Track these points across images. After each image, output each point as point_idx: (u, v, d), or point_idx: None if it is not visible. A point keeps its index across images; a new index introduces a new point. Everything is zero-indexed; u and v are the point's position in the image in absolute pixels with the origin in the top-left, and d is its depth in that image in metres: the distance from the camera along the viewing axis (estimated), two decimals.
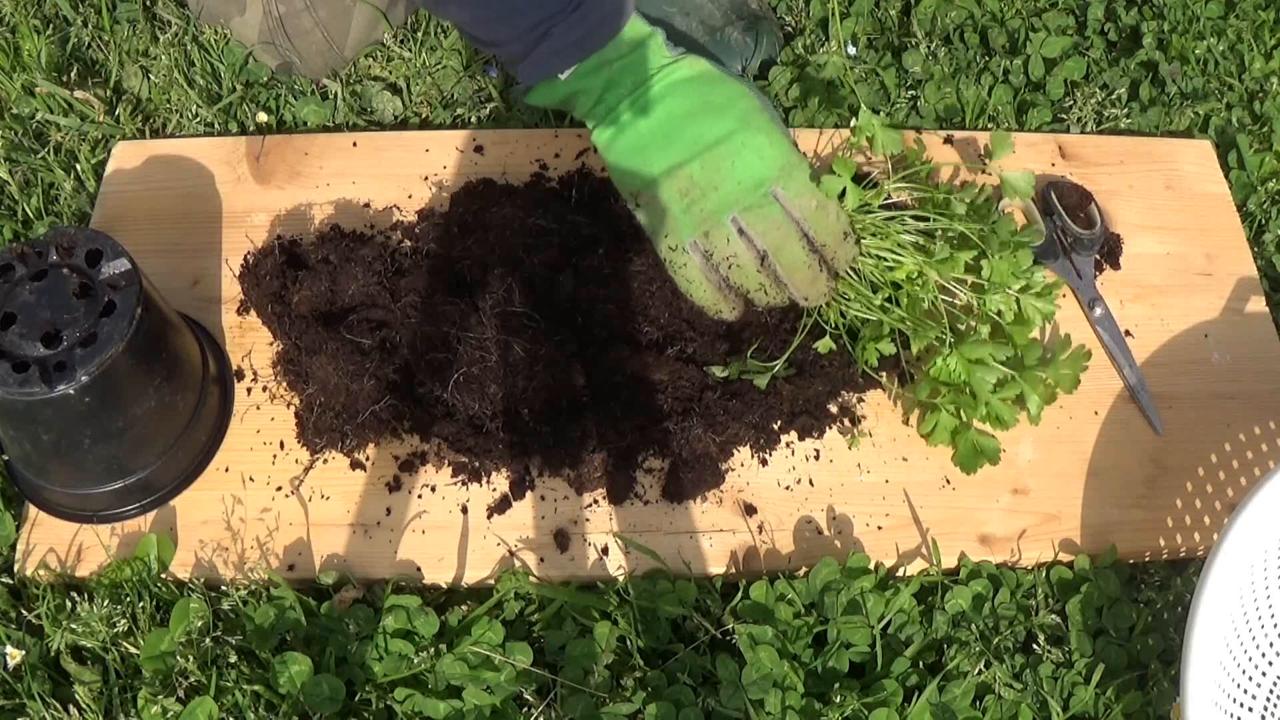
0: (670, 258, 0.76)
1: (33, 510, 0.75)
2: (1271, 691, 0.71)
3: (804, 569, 0.75)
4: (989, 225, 0.79)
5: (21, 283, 0.68)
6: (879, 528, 0.78)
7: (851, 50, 1.03)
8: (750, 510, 0.78)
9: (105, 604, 0.70)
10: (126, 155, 0.91)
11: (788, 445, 0.80)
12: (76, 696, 0.69)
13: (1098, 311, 0.88)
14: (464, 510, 0.77)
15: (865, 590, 0.73)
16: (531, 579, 0.74)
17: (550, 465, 0.77)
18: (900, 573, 0.77)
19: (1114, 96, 1.01)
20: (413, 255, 0.84)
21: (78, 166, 0.91)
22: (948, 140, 0.96)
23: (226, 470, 0.77)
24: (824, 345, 0.78)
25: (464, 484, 0.77)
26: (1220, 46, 1.06)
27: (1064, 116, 1.01)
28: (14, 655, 0.69)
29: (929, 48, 1.03)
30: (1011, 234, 0.79)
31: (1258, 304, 0.90)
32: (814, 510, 0.78)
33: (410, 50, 0.98)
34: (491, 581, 0.74)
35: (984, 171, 0.94)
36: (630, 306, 0.81)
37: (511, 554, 0.75)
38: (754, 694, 0.69)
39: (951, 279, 0.77)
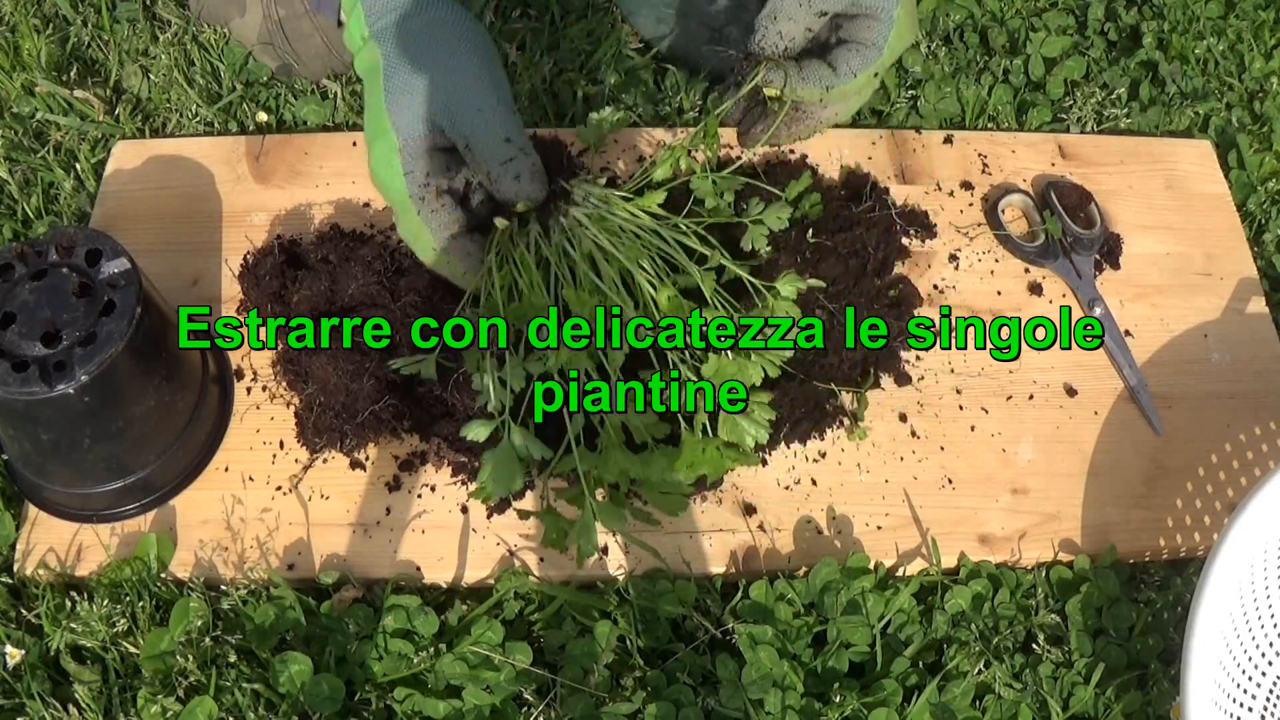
0: None
1: (32, 510, 0.75)
2: (1271, 691, 0.71)
3: (804, 569, 0.75)
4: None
5: (21, 282, 0.68)
6: (879, 528, 0.78)
7: None
8: (750, 510, 0.78)
9: (105, 604, 0.70)
10: (126, 155, 0.91)
11: (788, 445, 0.80)
12: (76, 696, 0.69)
13: (1097, 311, 0.88)
14: (464, 510, 0.76)
15: (865, 590, 0.73)
16: (531, 579, 0.74)
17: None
18: (900, 573, 0.77)
19: (1114, 96, 1.01)
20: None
21: (77, 166, 0.91)
22: (947, 140, 0.96)
23: (226, 470, 0.77)
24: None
25: (464, 484, 0.77)
26: (1220, 46, 1.06)
27: (1064, 116, 1.01)
28: (14, 655, 0.69)
29: (929, 47, 1.03)
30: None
31: (1258, 304, 0.90)
32: (814, 510, 0.78)
33: None
34: (491, 581, 0.74)
35: (984, 172, 0.94)
36: None
37: (511, 554, 0.75)
38: (754, 694, 0.69)
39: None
